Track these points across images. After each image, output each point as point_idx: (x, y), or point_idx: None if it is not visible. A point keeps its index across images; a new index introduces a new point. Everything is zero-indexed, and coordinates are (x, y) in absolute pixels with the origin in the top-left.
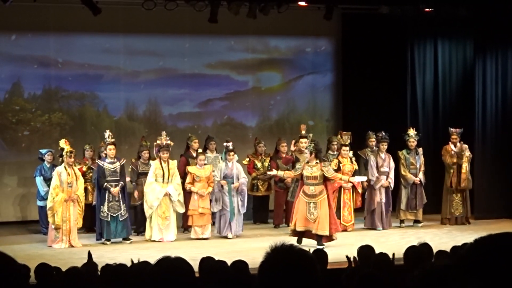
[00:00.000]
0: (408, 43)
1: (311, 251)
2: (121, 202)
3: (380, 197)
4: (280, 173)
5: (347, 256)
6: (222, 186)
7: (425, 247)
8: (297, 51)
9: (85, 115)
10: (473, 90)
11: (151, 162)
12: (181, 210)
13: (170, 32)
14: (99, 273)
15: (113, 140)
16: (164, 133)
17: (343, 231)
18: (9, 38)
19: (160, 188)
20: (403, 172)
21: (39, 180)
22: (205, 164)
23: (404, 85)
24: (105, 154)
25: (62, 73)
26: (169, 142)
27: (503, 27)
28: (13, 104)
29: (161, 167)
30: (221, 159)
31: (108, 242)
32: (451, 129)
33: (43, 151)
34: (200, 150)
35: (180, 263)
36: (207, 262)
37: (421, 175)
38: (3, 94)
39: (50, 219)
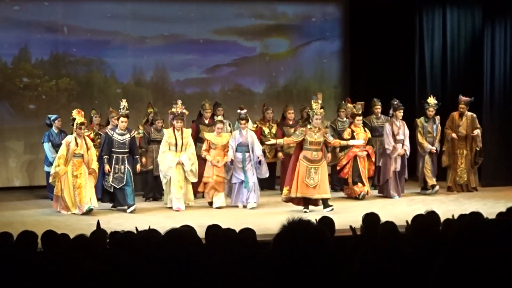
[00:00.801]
0: (417, 9)
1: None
2: (126, 175)
3: (395, 166)
4: (280, 141)
5: (350, 226)
6: (231, 162)
7: (432, 216)
8: (304, 17)
9: (92, 81)
10: (481, 58)
11: (164, 130)
12: (194, 179)
13: None
14: (107, 240)
15: (127, 112)
16: (179, 101)
17: (355, 198)
18: (16, 4)
19: (172, 157)
20: (420, 140)
21: (47, 146)
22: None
23: (412, 52)
24: (116, 123)
25: (69, 39)
26: (184, 110)
27: None
28: (21, 70)
29: (174, 136)
30: (234, 127)
31: (130, 209)
32: (461, 96)
33: (51, 116)
34: (220, 118)
35: (187, 233)
36: (214, 229)
37: (436, 144)
38: (10, 59)
39: (53, 184)
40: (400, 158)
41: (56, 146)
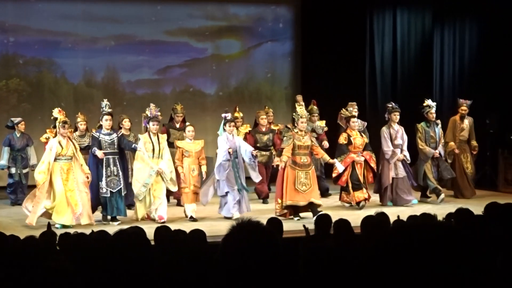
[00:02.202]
0: (368, 11)
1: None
2: (121, 177)
3: (396, 172)
4: (285, 158)
5: (304, 225)
6: (229, 153)
7: (382, 216)
8: (256, 19)
9: (42, 82)
10: (431, 59)
11: (139, 135)
12: (174, 188)
13: None
14: (57, 242)
15: (110, 110)
16: (152, 104)
17: (355, 205)
18: None
19: (152, 163)
20: (421, 146)
21: (5, 150)
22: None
23: (363, 54)
24: (83, 128)
25: (19, 39)
26: (158, 113)
27: None
28: None
29: (150, 140)
30: (220, 132)
31: (115, 223)
32: (461, 100)
33: (14, 120)
34: (188, 123)
35: (136, 234)
36: (163, 231)
37: (440, 148)
38: None
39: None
40: (401, 164)
41: (16, 151)
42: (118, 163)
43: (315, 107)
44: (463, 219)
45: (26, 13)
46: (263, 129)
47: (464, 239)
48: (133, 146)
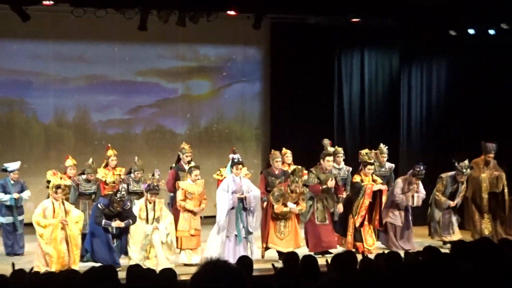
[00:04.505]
0: (336, 52)
1: None
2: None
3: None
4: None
5: (272, 264)
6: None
7: (350, 255)
8: (226, 59)
9: (13, 121)
10: (398, 100)
11: (136, 201)
12: (170, 254)
13: (100, 39)
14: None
15: (123, 196)
16: (157, 171)
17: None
18: None
19: (145, 225)
20: (438, 198)
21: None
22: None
23: (331, 94)
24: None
25: None
26: (161, 183)
27: (428, 38)
28: None
29: (146, 208)
30: (227, 172)
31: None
32: (488, 144)
33: (8, 167)
34: (193, 163)
35: (106, 272)
36: (134, 269)
37: (458, 199)
38: None
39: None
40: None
41: (8, 193)
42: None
43: (362, 151)
44: (431, 257)
45: None
46: (276, 172)
47: (429, 278)
48: (124, 224)
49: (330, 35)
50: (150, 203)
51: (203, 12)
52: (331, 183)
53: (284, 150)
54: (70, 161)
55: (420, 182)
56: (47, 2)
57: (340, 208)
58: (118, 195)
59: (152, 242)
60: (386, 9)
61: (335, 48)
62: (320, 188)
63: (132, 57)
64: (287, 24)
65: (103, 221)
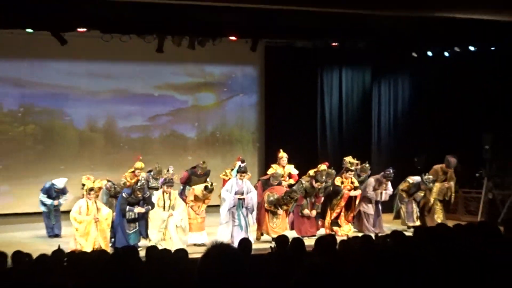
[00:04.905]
0: (318, 70)
1: None
2: (138, 218)
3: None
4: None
5: (270, 246)
6: (238, 200)
7: (331, 237)
8: (228, 76)
9: (53, 127)
10: (370, 110)
11: (154, 192)
12: (185, 237)
13: (124, 59)
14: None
15: (143, 185)
16: (171, 167)
17: None
18: None
19: (163, 212)
20: (401, 193)
21: (42, 197)
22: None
23: (315, 105)
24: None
25: (35, 92)
26: (174, 177)
27: (395, 59)
28: None
29: (163, 198)
30: (233, 174)
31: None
32: (451, 160)
33: (56, 184)
34: (210, 183)
35: (131, 251)
36: (152, 250)
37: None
38: None
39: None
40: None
41: (52, 198)
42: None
43: (346, 158)
44: (397, 238)
45: (40, 70)
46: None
47: (396, 256)
48: (145, 210)
49: (314, 56)
50: (166, 193)
51: (209, 38)
52: (306, 212)
53: (280, 153)
54: (139, 164)
55: (389, 182)
56: (81, 29)
57: (313, 214)
58: (139, 184)
59: (168, 226)
60: (359, 35)
61: (318, 67)
62: (303, 200)
63: (150, 74)
64: (278, 47)
65: (127, 207)
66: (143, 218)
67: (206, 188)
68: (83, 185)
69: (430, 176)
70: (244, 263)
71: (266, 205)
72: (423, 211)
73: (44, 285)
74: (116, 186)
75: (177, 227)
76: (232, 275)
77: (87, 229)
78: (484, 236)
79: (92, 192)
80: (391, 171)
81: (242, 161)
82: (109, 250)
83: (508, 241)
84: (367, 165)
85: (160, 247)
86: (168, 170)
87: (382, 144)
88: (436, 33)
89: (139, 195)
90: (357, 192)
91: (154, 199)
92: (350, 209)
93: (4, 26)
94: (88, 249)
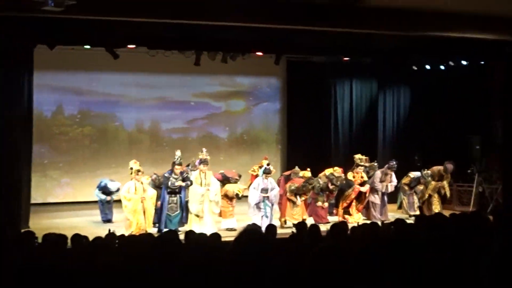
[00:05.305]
0: (332, 82)
1: None
2: (179, 203)
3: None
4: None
5: (292, 231)
6: (263, 197)
7: (343, 224)
8: (255, 86)
9: (106, 129)
10: (376, 116)
11: (192, 172)
12: (217, 210)
13: (167, 71)
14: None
15: (181, 161)
16: (205, 150)
17: None
18: (55, 75)
19: (200, 187)
20: (404, 186)
21: (97, 193)
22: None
23: (329, 111)
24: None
25: (91, 99)
26: (208, 157)
27: (398, 72)
28: (57, 121)
29: (200, 177)
30: (260, 173)
31: None
32: (448, 166)
33: (111, 187)
34: (239, 194)
35: (173, 234)
36: (191, 233)
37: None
38: (49, 114)
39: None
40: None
41: (106, 194)
42: (177, 195)
43: (356, 156)
44: (400, 226)
45: (96, 81)
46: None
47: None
48: (184, 184)
49: (328, 70)
50: (202, 172)
51: (239, 53)
52: (319, 204)
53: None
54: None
55: (393, 173)
56: (131, 46)
57: (325, 205)
58: (176, 161)
59: (204, 202)
60: (366, 51)
61: (331, 79)
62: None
63: (189, 84)
64: (298, 61)
65: (170, 182)
66: (185, 207)
67: (237, 195)
68: (131, 168)
69: (429, 171)
70: (270, 244)
71: (288, 193)
72: (421, 202)
73: (99, 263)
74: (160, 178)
75: (210, 201)
76: (260, 254)
77: (135, 207)
78: (475, 224)
79: (139, 173)
80: (394, 162)
81: (267, 164)
82: (151, 228)
83: (495, 229)
84: (376, 163)
85: (199, 220)
86: (202, 151)
87: (386, 144)
88: (433, 50)
89: (177, 171)
90: (366, 188)
91: (192, 177)
92: (360, 201)
93: (66, 43)
94: (134, 223)
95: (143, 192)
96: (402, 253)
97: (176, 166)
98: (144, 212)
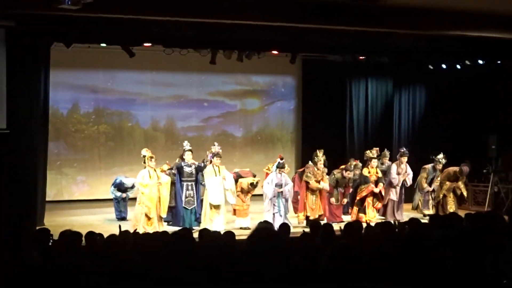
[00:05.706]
0: (347, 81)
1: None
2: (196, 197)
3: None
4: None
5: (303, 231)
6: (277, 192)
7: (357, 223)
8: (270, 85)
9: (122, 127)
10: (392, 114)
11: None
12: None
13: (183, 70)
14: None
15: (190, 147)
16: (217, 143)
17: None
18: (71, 73)
19: (216, 177)
20: (421, 183)
21: (113, 190)
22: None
23: (345, 110)
24: (183, 158)
25: (107, 97)
26: (220, 150)
27: (413, 71)
28: (73, 118)
29: (213, 170)
30: (273, 169)
31: None
32: (464, 168)
33: (126, 183)
34: (254, 183)
35: (186, 232)
36: (205, 231)
37: (434, 185)
38: (66, 111)
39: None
40: (399, 189)
41: (121, 191)
42: (194, 188)
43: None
44: (414, 225)
45: (112, 79)
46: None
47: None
48: (202, 165)
49: (343, 69)
50: (215, 166)
51: (255, 52)
52: (333, 201)
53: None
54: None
55: (407, 164)
56: (147, 44)
57: (344, 201)
58: (186, 148)
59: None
60: (382, 50)
61: (347, 78)
62: (334, 190)
63: (204, 83)
64: (313, 60)
65: (182, 163)
66: (200, 204)
67: (251, 184)
68: (144, 156)
69: (441, 154)
70: (283, 241)
71: (304, 177)
72: (436, 202)
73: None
74: (172, 168)
75: (226, 190)
76: (273, 251)
77: (151, 193)
78: (490, 224)
79: (152, 159)
80: (404, 148)
81: (281, 158)
82: (165, 215)
83: (510, 229)
84: (387, 151)
85: (211, 228)
86: (214, 145)
87: (402, 143)
88: (449, 49)
89: (188, 157)
90: (379, 188)
91: (207, 170)
92: (378, 199)
93: (82, 41)
94: (153, 211)
95: (158, 179)
96: (416, 252)
97: (186, 152)
98: (159, 199)
